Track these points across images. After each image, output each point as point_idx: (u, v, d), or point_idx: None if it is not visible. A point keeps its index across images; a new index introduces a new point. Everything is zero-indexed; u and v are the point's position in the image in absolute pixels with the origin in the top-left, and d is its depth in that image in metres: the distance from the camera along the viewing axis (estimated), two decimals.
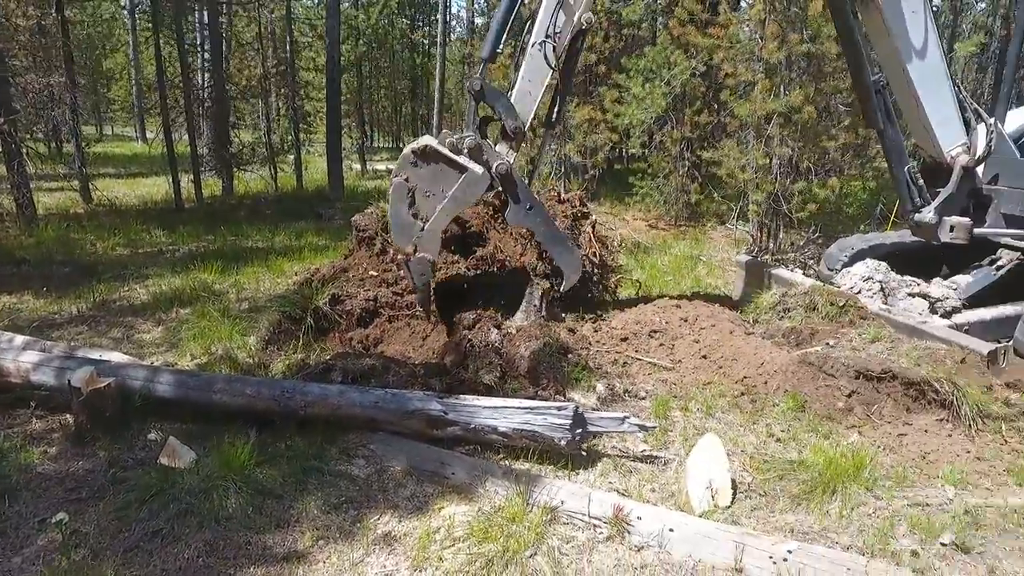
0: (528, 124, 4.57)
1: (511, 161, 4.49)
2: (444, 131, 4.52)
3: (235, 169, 12.80)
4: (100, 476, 3.10)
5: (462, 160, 4.32)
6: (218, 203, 11.87)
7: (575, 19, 4.39)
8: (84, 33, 25.49)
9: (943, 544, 2.72)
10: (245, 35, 16.94)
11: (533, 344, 4.33)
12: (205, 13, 12.73)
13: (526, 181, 4.85)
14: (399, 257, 4.86)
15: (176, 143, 11.46)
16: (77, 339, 4.99)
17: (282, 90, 15.36)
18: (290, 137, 14.74)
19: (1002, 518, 2.93)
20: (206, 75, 13.66)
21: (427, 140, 4.40)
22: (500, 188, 4.57)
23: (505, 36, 4.35)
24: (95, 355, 4.10)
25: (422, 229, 4.38)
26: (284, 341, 4.83)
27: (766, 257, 8.01)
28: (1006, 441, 3.61)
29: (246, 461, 3.08)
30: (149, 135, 25.05)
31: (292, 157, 14.69)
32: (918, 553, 2.67)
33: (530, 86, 4.48)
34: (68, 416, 3.50)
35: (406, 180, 4.33)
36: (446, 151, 4.31)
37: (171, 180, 10.92)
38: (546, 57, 4.39)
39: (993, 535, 2.82)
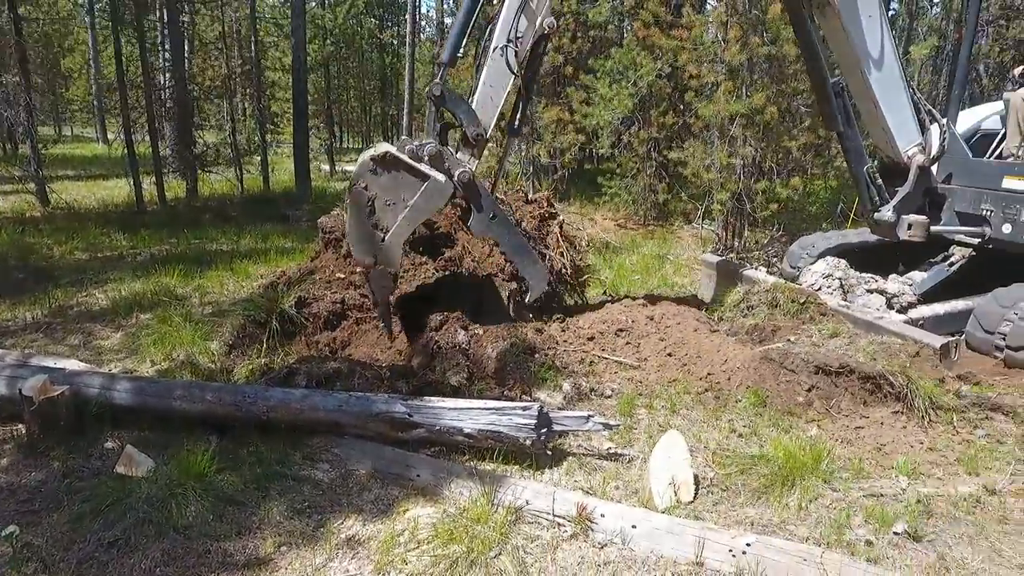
0: (491, 130, 4.50)
1: (473, 168, 4.43)
2: (403, 138, 4.42)
3: (199, 171, 12.55)
4: (54, 487, 3.02)
5: (423, 168, 4.20)
6: (182, 205, 11.64)
7: (537, 24, 4.37)
8: (40, 31, 24.74)
9: (896, 533, 2.80)
10: (208, 34, 16.64)
11: (500, 344, 4.34)
12: (166, 11, 12.45)
13: (489, 188, 4.82)
14: (358, 270, 4.72)
15: (138, 144, 11.20)
16: (32, 346, 4.85)
17: (248, 90, 15.13)
18: (256, 138, 14.51)
19: (953, 506, 3.03)
20: (168, 74, 13.37)
21: (386, 147, 4.30)
22: (463, 196, 4.49)
23: (466, 40, 4.29)
24: (50, 363, 3.99)
25: (383, 240, 4.23)
26: (248, 346, 4.74)
27: (731, 256, 8.15)
28: (957, 432, 3.74)
29: (206, 468, 3.03)
30: (110, 136, 24.46)
31: (259, 158, 14.47)
32: (872, 543, 2.74)
33: (492, 91, 4.42)
34: (21, 426, 3.40)
35: (365, 188, 4.18)
36: (407, 158, 4.19)
37: (132, 182, 10.67)
38: (508, 62, 4.35)
39: (944, 523, 2.91)
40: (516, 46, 4.33)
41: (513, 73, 4.41)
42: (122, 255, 7.96)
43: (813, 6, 4.74)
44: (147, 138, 11.26)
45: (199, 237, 9.12)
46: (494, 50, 4.36)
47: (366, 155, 4.24)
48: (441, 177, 4.22)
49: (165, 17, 12.64)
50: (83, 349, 4.86)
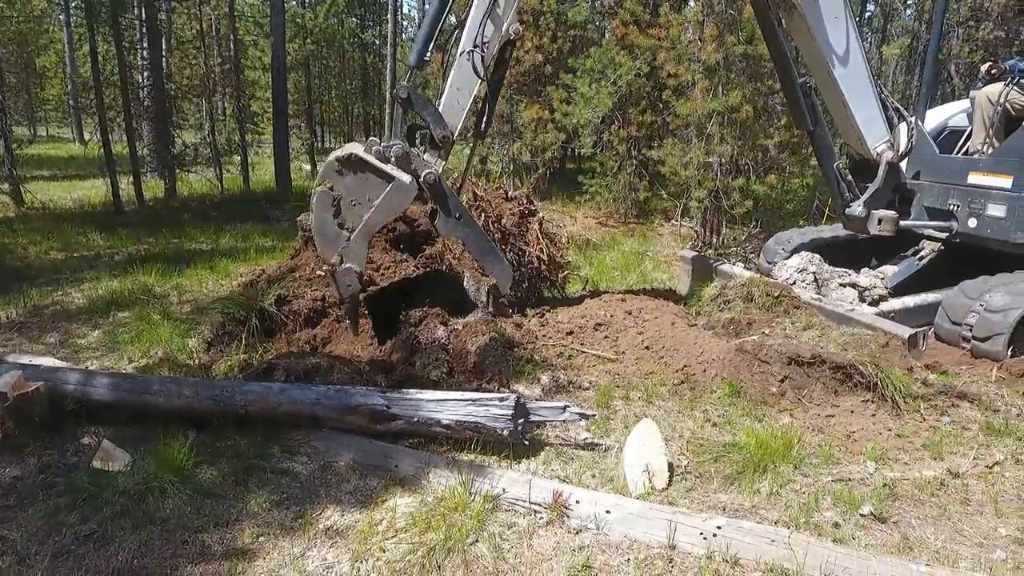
0: (457, 133, 4.54)
1: (439, 170, 4.47)
2: (371, 139, 4.42)
3: (178, 171, 12.44)
4: (29, 482, 3.00)
5: (389, 169, 4.24)
6: (160, 205, 11.52)
7: (503, 29, 4.40)
8: (13, 29, 24.30)
9: (862, 515, 2.88)
10: (186, 32, 16.48)
11: (479, 339, 4.37)
12: (143, 9, 12.31)
13: (456, 188, 4.84)
14: (324, 268, 4.74)
15: (115, 144, 11.07)
16: (7, 345, 4.79)
17: (227, 89, 15.00)
18: (236, 138, 14.40)
19: (917, 489, 3.12)
20: (145, 73, 13.22)
21: (352, 148, 4.32)
22: (428, 197, 4.51)
23: (433, 44, 4.31)
24: (25, 360, 3.96)
25: (348, 239, 4.26)
26: (227, 343, 4.74)
27: (709, 252, 8.27)
28: (924, 419, 3.84)
29: (184, 461, 3.03)
30: (86, 136, 24.11)
31: (239, 158, 14.36)
32: (839, 524, 2.83)
33: (459, 95, 4.46)
34: None
35: (331, 189, 4.21)
36: (373, 159, 4.22)
37: (110, 182, 10.55)
38: (474, 67, 4.39)
39: (908, 505, 3.00)
40: (483, 51, 4.36)
41: (480, 78, 4.44)
42: (99, 255, 7.88)
43: (780, 9, 4.84)
44: (124, 138, 11.13)
45: (178, 237, 9.04)
46: (461, 55, 4.39)
47: (332, 156, 4.28)
48: (406, 178, 4.26)
49: (143, 15, 12.48)
50: (60, 347, 4.82)
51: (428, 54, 4.36)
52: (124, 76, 11.12)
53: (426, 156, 4.48)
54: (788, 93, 5.36)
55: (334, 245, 4.29)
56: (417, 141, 4.64)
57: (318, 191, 4.22)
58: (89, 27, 11.23)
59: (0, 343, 4.87)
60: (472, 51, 4.36)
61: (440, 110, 4.43)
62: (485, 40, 4.36)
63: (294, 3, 22.18)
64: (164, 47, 14.07)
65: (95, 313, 5.57)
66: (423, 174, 4.37)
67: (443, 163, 4.55)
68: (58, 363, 4.00)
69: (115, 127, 11.19)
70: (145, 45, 12.57)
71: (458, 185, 5.15)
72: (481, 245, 4.82)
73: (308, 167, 18.84)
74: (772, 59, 5.29)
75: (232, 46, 14.67)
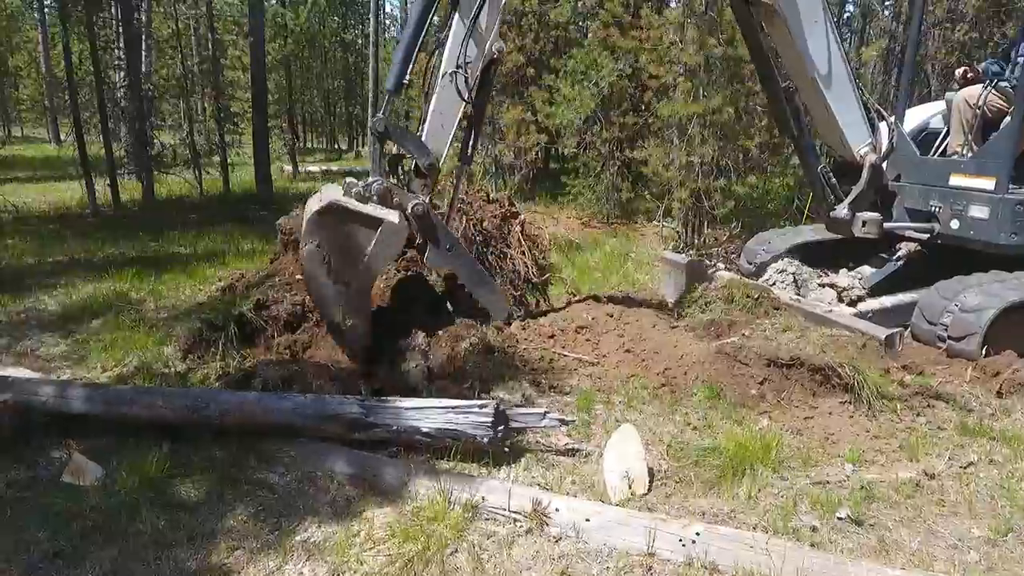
0: (444, 159, 4.39)
1: (427, 201, 4.31)
2: (349, 179, 4.12)
3: (156, 172, 12.25)
4: None
5: (373, 211, 3.99)
6: (138, 207, 11.35)
7: (486, 48, 4.27)
8: None
9: (839, 518, 2.90)
10: (163, 31, 16.25)
11: (460, 344, 4.35)
12: (119, 8, 12.10)
13: (444, 218, 4.70)
14: (328, 330, 4.37)
15: (90, 145, 10.88)
16: None
17: (206, 89, 14.81)
18: (216, 138, 14.22)
19: (894, 491, 3.15)
20: (122, 73, 13.01)
21: (330, 194, 4.06)
22: (416, 230, 4.34)
23: (411, 67, 4.13)
24: None
25: (346, 296, 4.05)
26: (205, 350, 4.66)
27: (691, 252, 8.31)
28: (900, 419, 3.88)
29: (157, 474, 2.98)
30: (62, 137, 23.71)
31: (218, 159, 14.18)
32: (817, 528, 2.84)
33: (443, 119, 4.31)
34: None
35: (318, 246, 3.95)
36: (355, 205, 3.96)
37: (85, 184, 10.37)
38: (458, 89, 4.22)
39: (884, 507, 3.03)
40: (466, 72, 4.22)
41: (464, 100, 4.29)
42: (73, 259, 7.73)
43: (761, 16, 4.86)
44: (101, 138, 10.95)
45: (156, 240, 8.91)
46: (443, 76, 4.23)
47: (312, 207, 4.04)
48: (394, 217, 4.04)
49: (119, 14, 12.26)
50: (30, 357, 4.71)
51: (407, 78, 4.17)
52: (99, 76, 10.94)
53: (412, 186, 4.32)
54: (771, 98, 5.37)
55: (334, 306, 4.09)
56: (401, 171, 4.48)
57: (306, 251, 3.99)
58: (63, 26, 11.04)
59: None
60: (455, 72, 4.19)
61: (424, 137, 4.27)
62: (468, 60, 4.21)
63: (274, 2, 21.96)
64: (142, 46, 13.86)
65: (67, 321, 5.45)
66: (410, 206, 4.20)
67: (430, 192, 4.38)
68: (28, 374, 3.92)
69: (91, 128, 10.97)
70: (121, 45, 12.36)
71: (446, 214, 4.96)
72: (474, 277, 4.72)
73: (289, 168, 18.67)
74: (755, 64, 5.29)
75: (211, 46, 14.49)
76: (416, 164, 4.31)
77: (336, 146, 31.28)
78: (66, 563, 2.55)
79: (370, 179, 4.16)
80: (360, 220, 3.99)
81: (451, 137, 4.44)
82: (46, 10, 24.72)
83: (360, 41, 30.55)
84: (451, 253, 4.54)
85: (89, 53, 11.09)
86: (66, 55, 10.54)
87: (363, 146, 29.41)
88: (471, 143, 4.89)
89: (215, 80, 14.22)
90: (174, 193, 12.74)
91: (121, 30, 11.97)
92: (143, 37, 14.17)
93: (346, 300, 4.09)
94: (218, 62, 15.07)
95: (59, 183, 14.10)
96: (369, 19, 23.69)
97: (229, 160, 13.85)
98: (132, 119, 12.00)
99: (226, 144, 13.74)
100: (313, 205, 4.08)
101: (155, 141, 12.45)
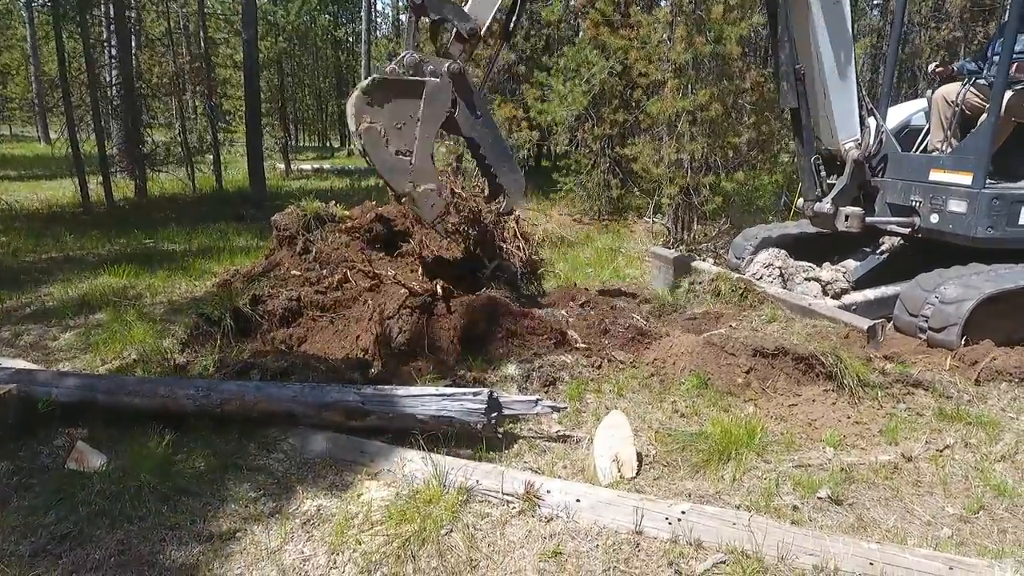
0: (487, 26, 4.36)
1: (463, 64, 4.32)
2: (377, 68, 4.34)
3: (149, 170, 12.27)
4: (3, 484, 3.01)
5: (416, 76, 4.14)
6: (131, 205, 11.38)
7: None
8: None
9: (820, 498, 3.02)
10: (155, 30, 16.23)
11: (455, 335, 4.45)
12: (111, 6, 12.10)
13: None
14: (402, 200, 4.53)
15: (83, 143, 10.89)
16: None
17: (198, 87, 14.81)
18: (208, 136, 14.24)
19: (872, 473, 3.27)
20: (114, 71, 13.01)
21: (371, 77, 4.22)
22: (454, 91, 4.32)
23: None
24: None
25: (411, 163, 4.19)
26: (202, 343, 4.74)
27: (681, 248, 8.44)
28: (881, 406, 4.00)
29: (160, 460, 3.06)
30: (53, 135, 23.56)
31: (211, 157, 14.20)
32: (798, 507, 2.96)
33: None
34: None
35: (371, 123, 4.08)
36: (397, 75, 4.11)
37: (78, 182, 10.38)
38: None
39: (863, 488, 3.15)
40: None
41: None
42: (68, 256, 7.78)
43: None
44: (93, 136, 10.96)
45: (150, 237, 8.96)
46: None
47: (356, 91, 4.16)
48: (435, 78, 4.17)
49: (111, 12, 12.26)
50: (31, 350, 4.78)
51: None
52: (92, 74, 10.94)
53: (451, 49, 4.32)
54: (784, 73, 5.35)
55: (403, 175, 4.22)
56: (440, 40, 4.52)
57: (363, 130, 4.10)
58: (55, 24, 11.03)
59: None
60: None
61: (468, 7, 4.26)
62: None
63: (265, 0, 21.92)
64: (134, 44, 13.85)
65: (67, 315, 5.52)
66: (446, 66, 4.22)
67: (467, 58, 4.38)
68: (30, 365, 3.99)
69: (83, 126, 10.97)
70: (113, 43, 12.36)
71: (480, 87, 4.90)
72: (497, 149, 4.69)
73: (282, 166, 18.69)
74: (774, 39, 5.32)
75: (202, 44, 14.49)
76: (457, 30, 4.30)
77: (328, 144, 31.26)
78: (73, 545, 2.63)
79: (403, 53, 4.24)
80: (404, 88, 4.15)
81: (496, 6, 4.38)
82: (34, 7, 24.58)
83: (351, 39, 30.52)
84: (479, 120, 4.53)
85: (81, 51, 11.08)
86: (59, 54, 10.54)
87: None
88: (515, 19, 4.86)
89: (207, 78, 14.23)
90: (167, 191, 12.77)
91: (113, 28, 11.96)
92: (136, 35, 14.15)
93: (412, 168, 4.23)
94: (209, 60, 15.07)
95: (50, 181, 14.10)
96: (360, 16, 23.69)
97: (222, 158, 13.88)
98: (124, 117, 12.00)
99: (219, 142, 13.76)
100: (358, 89, 4.20)
101: (148, 139, 12.46)
